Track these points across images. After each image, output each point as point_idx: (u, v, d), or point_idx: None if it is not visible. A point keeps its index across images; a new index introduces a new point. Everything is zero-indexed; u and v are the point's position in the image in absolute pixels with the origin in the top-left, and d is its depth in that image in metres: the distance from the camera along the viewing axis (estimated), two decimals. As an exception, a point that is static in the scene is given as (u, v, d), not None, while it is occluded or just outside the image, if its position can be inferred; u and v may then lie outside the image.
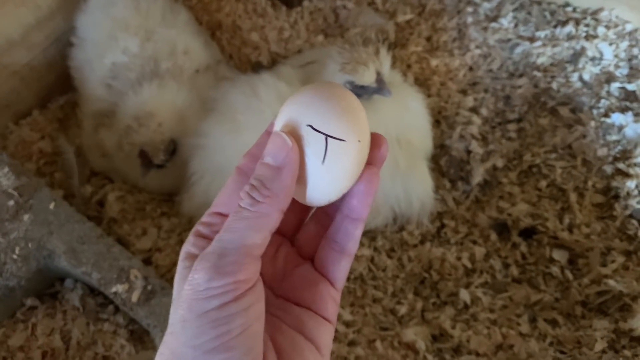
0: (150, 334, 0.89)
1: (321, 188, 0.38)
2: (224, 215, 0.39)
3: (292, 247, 0.45)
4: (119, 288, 0.87)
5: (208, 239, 0.38)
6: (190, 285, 0.35)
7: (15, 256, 0.91)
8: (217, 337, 0.34)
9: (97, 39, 1.21)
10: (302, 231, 0.45)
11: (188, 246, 0.39)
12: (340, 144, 0.36)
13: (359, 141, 0.37)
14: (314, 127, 0.37)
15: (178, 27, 1.23)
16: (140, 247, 1.09)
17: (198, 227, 0.39)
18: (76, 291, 0.96)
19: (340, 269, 0.42)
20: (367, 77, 0.96)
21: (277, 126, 0.39)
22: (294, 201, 0.40)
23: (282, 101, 1.03)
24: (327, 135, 0.36)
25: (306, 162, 0.37)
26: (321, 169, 0.37)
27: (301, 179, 0.38)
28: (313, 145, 0.37)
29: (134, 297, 0.86)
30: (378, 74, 0.97)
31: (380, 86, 0.98)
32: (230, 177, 0.41)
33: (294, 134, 0.37)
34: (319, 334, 0.40)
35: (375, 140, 0.40)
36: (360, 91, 1.01)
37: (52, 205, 0.95)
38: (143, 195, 1.19)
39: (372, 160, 0.40)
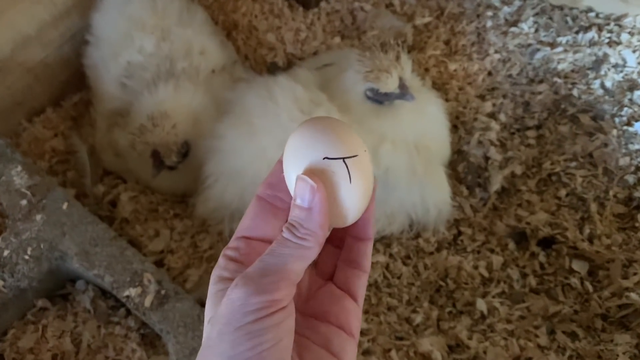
0: (162, 338, 0.88)
1: (355, 205, 0.42)
2: (249, 239, 0.44)
3: (312, 269, 0.48)
4: (132, 292, 0.86)
5: (237, 262, 0.42)
6: (230, 300, 0.37)
7: (27, 257, 0.90)
8: (251, 349, 0.36)
9: (113, 37, 1.20)
10: (320, 253, 0.47)
11: (220, 270, 0.42)
12: (355, 160, 0.41)
13: (365, 150, 0.42)
14: (330, 157, 0.40)
15: (194, 27, 1.21)
16: (153, 248, 1.07)
17: (226, 252, 0.43)
18: (87, 293, 0.94)
19: (360, 285, 0.45)
20: (391, 84, 0.95)
21: (290, 166, 0.42)
22: None
23: (298, 105, 1.02)
24: (343, 158, 0.40)
25: (337, 190, 0.41)
26: (351, 189, 0.41)
27: (338, 205, 0.41)
28: (337, 172, 0.40)
29: (147, 301, 0.85)
30: (400, 79, 0.96)
31: (404, 92, 0.97)
32: (251, 203, 0.45)
33: (317, 172, 0.41)
34: (344, 349, 0.43)
35: None
36: (383, 98, 0.99)
37: (65, 206, 0.94)
38: (156, 196, 1.17)
39: None
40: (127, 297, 0.86)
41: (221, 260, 0.42)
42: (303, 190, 0.40)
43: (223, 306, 0.38)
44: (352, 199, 0.41)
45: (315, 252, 0.40)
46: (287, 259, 0.39)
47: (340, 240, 0.47)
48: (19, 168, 0.97)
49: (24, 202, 0.94)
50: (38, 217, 0.93)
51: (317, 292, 0.46)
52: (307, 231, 0.40)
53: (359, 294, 0.45)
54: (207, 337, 0.39)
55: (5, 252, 0.90)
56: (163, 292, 0.86)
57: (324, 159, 0.40)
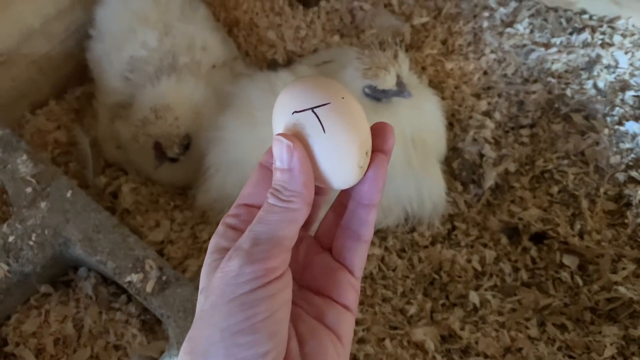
0: (162, 324, 0.90)
1: (339, 160, 0.38)
2: (250, 206, 0.42)
3: (312, 239, 0.46)
4: (134, 277, 0.88)
5: (236, 229, 0.40)
6: (223, 272, 0.36)
7: (31, 243, 0.92)
8: (245, 320, 0.35)
9: (116, 31, 1.22)
10: (322, 222, 0.46)
11: (217, 238, 0.40)
12: (328, 108, 0.38)
13: (343, 98, 0.39)
14: (297, 110, 0.38)
15: (197, 22, 1.24)
16: (153, 239, 1.09)
17: (226, 219, 0.41)
18: (89, 280, 0.96)
19: (358, 256, 0.43)
20: (389, 81, 0.98)
21: (274, 129, 0.41)
22: None
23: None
24: (311, 108, 0.38)
25: (312, 143, 0.38)
26: (326, 140, 0.38)
27: (318, 161, 0.38)
28: (308, 125, 0.38)
29: (149, 287, 0.87)
30: (398, 77, 0.98)
31: (401, 89, 0.99)
32: (253, 171, 0.42)
33: (291, 130, 0.38)
34: (339, 323, 0.41)
35: (380, 129, 0.42)
36: (381, 95, 1.02)
37: (69, 194, 0.96)
38: (157, 187, 1.20)
39: (379, 147, 0.41)
40: (129, 282, 0.88)
41: (220, 228, 0.41)
42: (280, 151, 0.38)
43: (216, 279, 0.37)
44: (333, 152, 0.38)
45: (304, 213, 0.38)
46: (276, 225, 0.37)
47: (343, 208, 0.44)
48: (24, 157, 0.99)
49: (29, 189, 0.96)
50: (42, 204, 0.95)
51: (313, 262, 0.44)
52: (291, 192, 0.38)
53: (355, 265, 0.43)
54: (200, 309, 0.38)
55: (11, 238, 0.92)
56: (164, 278, 0.88)
57: (292, 113, 0.38)
